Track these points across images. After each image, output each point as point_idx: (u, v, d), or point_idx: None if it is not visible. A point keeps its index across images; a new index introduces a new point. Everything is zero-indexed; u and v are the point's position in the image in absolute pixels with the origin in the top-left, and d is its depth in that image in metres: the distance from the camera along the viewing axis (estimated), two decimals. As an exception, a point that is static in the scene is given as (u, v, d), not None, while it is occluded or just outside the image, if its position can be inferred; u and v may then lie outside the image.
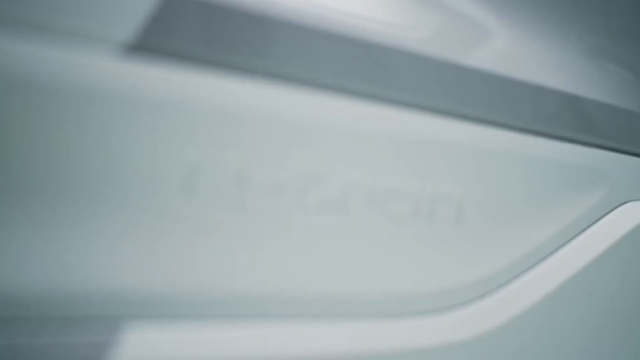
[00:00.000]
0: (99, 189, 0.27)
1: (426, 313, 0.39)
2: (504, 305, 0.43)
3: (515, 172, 0.44)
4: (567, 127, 0.48)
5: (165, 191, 0.29)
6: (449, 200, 0.41)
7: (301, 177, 0.33)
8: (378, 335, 0.36)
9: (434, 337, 0.39)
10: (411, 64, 0.37)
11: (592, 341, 0.51)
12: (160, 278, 0.29)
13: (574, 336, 0.49)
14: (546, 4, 0.49)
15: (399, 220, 0.38)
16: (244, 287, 0.32)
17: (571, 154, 0.48)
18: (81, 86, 0.27)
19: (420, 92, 0.38)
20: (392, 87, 0.36)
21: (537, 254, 0.46)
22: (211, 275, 0.31)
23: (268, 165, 0.32)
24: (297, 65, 0.32)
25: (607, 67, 0.53)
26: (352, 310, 0.36)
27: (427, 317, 0.39)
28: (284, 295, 0.33)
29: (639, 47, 0.56)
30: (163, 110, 0.28)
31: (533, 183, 0.46)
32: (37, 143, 0.26)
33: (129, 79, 0.28)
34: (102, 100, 0.27)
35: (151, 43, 0.28)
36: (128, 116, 0.28)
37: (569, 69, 0.50)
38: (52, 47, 0.26)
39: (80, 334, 0.27)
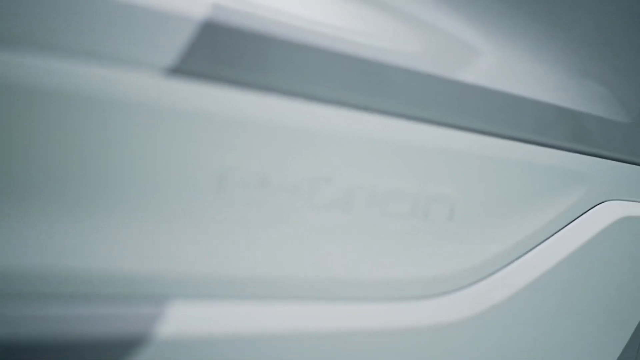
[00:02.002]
0: (150, 189, 0.33)
1: (420, 298, 0.44)
2: (489, 293, 0.49)
3: (501, 174, 0.50)
4: (549, 134, 0.53)
5: (203, 190, 0.34)
6: (442, 200, 0.46)
7: (312, 179, 0.38)
8: (377, 316, 0.42)
9: (427, 319, 0.44)
10: (409, 80, 0.42)
11: (567, 326, 0.57)
12: (195, 262, 0.34)
13: (551, 322, 0.55)
14: (533, 24, 0.54)
15: (397, 217, 0.43)
16: (264, 271, 0.37)
17: (552, 158, 0.53)
18: (130, 103, 0.32)
19: (415, 105, 0.43)
20: (392, 101, 0.41)
21: (520, 248, 0.52)
22: (237, 260, 0.36)
23: (285, 170, 0.37)
24: (312, 85, 0.37)
25: (586, 81, 0.59)
26: (356, 294, 0.41)
27: (420, 301, 0.44)
28: (297, 279, 0.38)
29: (614, 63, 0.61)
30: (200, 124, 0.34)
31: (517, 184, 0.51)
32: (105, 149, 0.31)
33: (171, 97, 0.33)
34: (150, 116, 0.32)
35: (188, 66, 0.33)
36: (172, 129, 0.33)
37: (552, 82, 0.55)
38: (108, 70, 0.31)
39: (127, 309, 0.32)
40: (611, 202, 0.60)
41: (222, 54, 0.34)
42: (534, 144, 0.52)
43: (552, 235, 0.55)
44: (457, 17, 0.48)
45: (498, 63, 0.50)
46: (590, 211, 0.58)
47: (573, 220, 0.56)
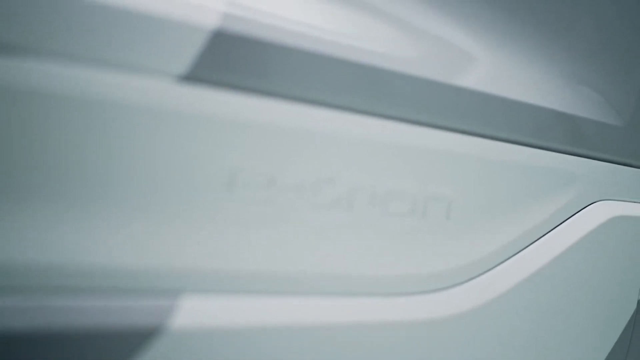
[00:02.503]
0: (164, 188, 0.35)
1: (418, 293, 0.46)
2: (484, 289, 0.51)
3: (497, 175, 0.52)
4: (543, 136, 0.55)
5: (213, 189, 0.36)
6: (439, 200, 0.48)
7: (316, 180, 0.40)
8: (376, 310, 0.44)
9: (425, 313, 0.46)
10: (408, 85, 0.44)
11: (559, 323, 0.59)
12: (206, 257, 0.36)
13: (544, 318, 0.57)
14: (529, 32, 0.56)
15: (397, 216, 0.45)
16: (270, 267, 0.39)
17: (546, 160, 0.55)
18: (147, 108, 0.34)
19: (414, 108, 0.45)
20: (392, 105, 0.43)
21: (514, 246, 0.54)
22: (245, 256, 0.38)
23: (290, 170, 0.39)
24: (316, 90, 0.39)
25: (580, 85, 0.61)
26: (356, 289, 0.43)
27: (418, 296, 0.46)
28: (301, 275, 0.40)
29: (606, 69, 0.63)
30: (210, 127, 0.36)
31: (512, 185, 0.53)
32: (123, 150, 0.33)
33: (184, 102, 0.35)
34: (164, 120, 0.34)
35: (198, 74, 0.35)
36: (184, 132, 0.35)
37: (547, 87, 0.57)
38: (127, 78, 0.33)
39: (142, 302, 0.34)
40: (603, 202, 0.62)
41: (229, 61, 0.36)
42: (528, 146, 0.54)
43: (546, 233, 0.57)
44: (456, 26, 0.50)
45: (494, 69, 0.52)
46: (582, 211, 0.60)
47: (566, 220, 0.58)
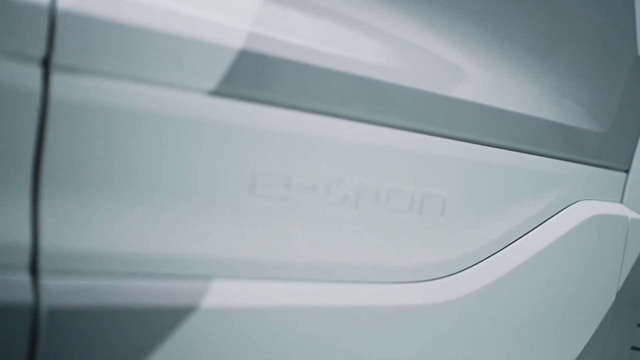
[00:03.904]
0: (196, 188, 0.40)
1: (414, 281, 0.52)
2: (474, 279, 0.56)
3: (487, 177, 0.57)
4: (530, 142, 0.61)
5: (238, 189, 0.42)
6: (435, 199, 0.54)
7: (327, 180, 0.46)
8: (377, 295, 0.50)
9: (419, 299, 0.52)
10: (408, 97, 0.50)
11: (543, 311, 0.64)
12: (232, 247, 0.42)
13: (529, 306, 0.62)
14: (517, 48, 0.62)
15: (397, 212, 0.50)
16: (287, 257, 0.45)
17: (532, 163, 0.61)
18: (183, 119, 0.39)
19: (412, 118, 0.51)
20: (393, 115, 0.49)
21: (502, 241, 0.60)
22: (265, 246, 0.44)
23: (305, 172, 0.45)
24: (329, 102, 0.45)
25: (563, 97, 0.67)
26: (361, 276, 0.49)
27: (415, 284, 0.52)
28: (313, 264, 0.46)
29: (588, 83, 0.69)
30: (236, 135, 0.41)
31: (501, 186, 0.59)
32: (164, 155, 0.39)
33: (213, 114, 0.40)
34: (198, 129, 0.40)
35: (226, 90, 0.41)
36: (213, 139, 0.40)
37: (533, 98, 0.63)
38: (170, 93, 0.38)
39: (181, 284, 0.40)
40: (585, 201, 0.67)
41: (251, 78, 0.42)
42: (516, 151, 0.60)
43: (533, 229, 0.63)
44: (454, 46, 0.56)
45: (487, 83, 0.58)
46: (566, 209, 0.66)
47: (551, 217, 0.64)
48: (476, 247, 0.57)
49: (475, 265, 0.57)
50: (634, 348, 0.79)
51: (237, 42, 0.41)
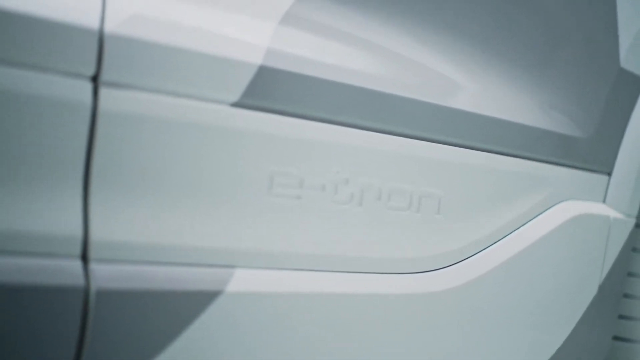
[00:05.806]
0: (223, 190, 0.46)
1: (412, 273, 0.58)
2: (467, 271, 0.62)
3: (479, 179, 0.63)
4: (519, 147, 0.67)
5: (257, 188, 0.47)
6: (431, 198, 0.59)
7: (335, 181, 0.52)
8: (379, 285, 0.55)
9: (417, 289, 0.58)
10: (405, 106, 0.56)
11: (530, 303, 0.70)
12: (252, 240, 0.48)
13: (516, 297, 0.68)
14: (505, 60, 0.68)
15: (397, 210, 0.56)
16: (299, 249, 0.50)
17: (520, 166, 0.67)
18: (210, 127, 0.45)
19: (411, 125, 0.56)
20: (394, 122, 0.55)
21: (493, 237, 0.65)
22: (281, 237, 0.49)
23: (315, 174, 0.50)
24: (337, 113, 0.51)
25: (548, 104, 0.72)
26: (366, 267, 0.55)
27: (412, 275, 0.58)
28: (324, 255, 0.52)
29: (573, 91, 0.75)
30: (255, 142, 0.47)
31: (492, 187, 0.65)
32: (190, 160, 0.44)
33: (234, 124, 0.46)
34: (221, 136, 0.45)
35: (245, 102, 0.46)
36: (234, 145, 0.46)
37: (521, 106, 0.69)
38: (196, 104, 0.44)
39: (207, 272, 0.46)
40: (569, 201, 0.73)
41: (269, 91, 0.47)
42: (506, 155, 0.65)
43: (520, 227, 0.69)
44: (450, 60, 0.62)
45: (479, 93, 0.64)
46: (551, 209, 0.71)
47: (537, 216, 0.70)
48: (469, 242, 0.63)
49: (469, 259, 0.63)
50: (615, 338, 0.85)
51: (256, 60, 0.47)
